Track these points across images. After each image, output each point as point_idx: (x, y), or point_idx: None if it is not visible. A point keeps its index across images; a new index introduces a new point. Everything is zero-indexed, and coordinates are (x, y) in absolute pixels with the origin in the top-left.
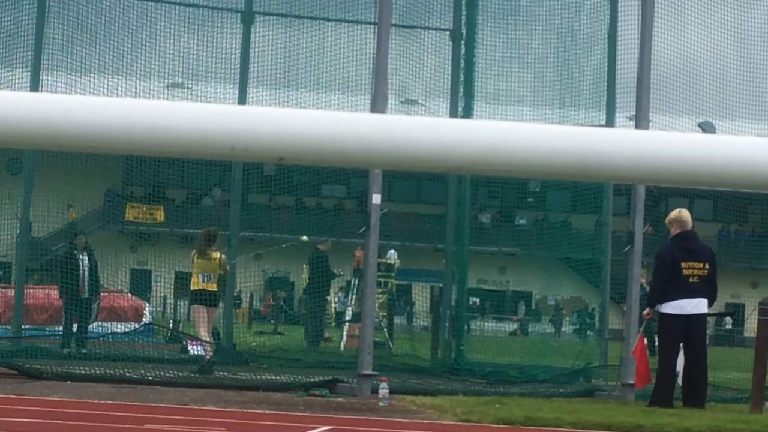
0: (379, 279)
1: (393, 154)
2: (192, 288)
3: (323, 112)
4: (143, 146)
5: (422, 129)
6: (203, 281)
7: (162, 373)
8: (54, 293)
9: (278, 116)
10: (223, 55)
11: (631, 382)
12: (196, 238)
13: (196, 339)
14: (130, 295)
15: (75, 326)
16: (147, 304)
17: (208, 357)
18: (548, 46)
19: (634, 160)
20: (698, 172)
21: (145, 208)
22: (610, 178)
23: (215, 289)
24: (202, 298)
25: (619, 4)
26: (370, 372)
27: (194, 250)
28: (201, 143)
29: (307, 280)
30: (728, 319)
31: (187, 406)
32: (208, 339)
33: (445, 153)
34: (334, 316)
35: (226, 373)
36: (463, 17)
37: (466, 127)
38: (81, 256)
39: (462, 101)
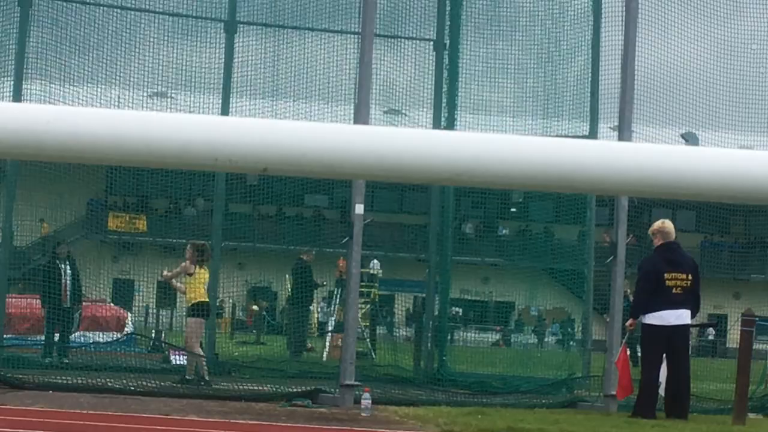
0: (362, 289)
1: (376, 166)
2: (198, 300)
3: (307, 123)
4: (126, 157)
5: (405, 140)
6: (206, 291)
7: (144, 383)
8: (36, 303)
9: (262, 127)
10: (206, 65)
11: (614, 392)
12: (193, 251)
13: (178, 348)
14: (112, 304)
15: (57, 336)
16: (129, 314)
17: (206, 373)
18: (531, 56)
19: (618, 172)
20: (681, 184)
21: (127, 218)
22: (594, 190)
23: (188, 303)
24: (204, 310)
25: (602, 14)
26: (352, 382)
27: (193, 262)
28: (185, 154)
29: (290, 290)
30: (711, 330)
31: (169, 416)
32: (201, 353)
33: (429, 164)
34: (316, 326)
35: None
36: (447, 27)
37: (450, 139)
38: (63, 266)
39: (445, 111)
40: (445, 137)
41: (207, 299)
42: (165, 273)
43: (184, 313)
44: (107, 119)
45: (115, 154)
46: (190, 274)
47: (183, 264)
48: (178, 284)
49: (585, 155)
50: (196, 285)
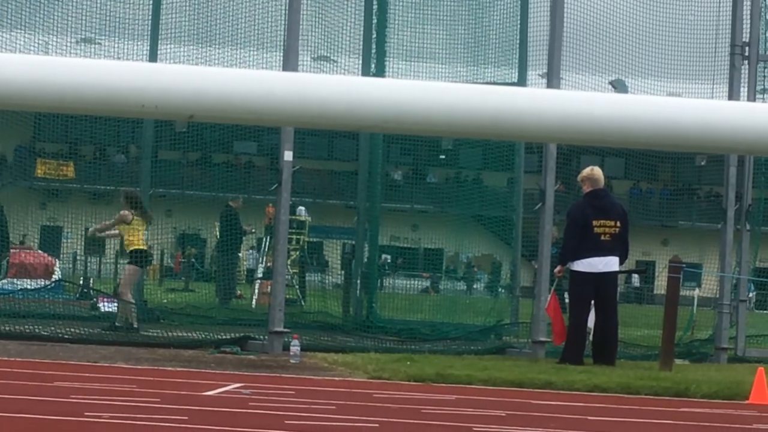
0: (291, 236)
1: (302, 113)
2: (137, 246)
3: (233, 70)
4: (53, 103)
5: (332, 87)
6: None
7: (72, 330)
8: None
9: (188, 74)
10: (134, 10)
11: (542, 339)
12: (126, 201)
13: (107, 295)
14: (40, 251)
15: None
16: (57, 261)
17: (135, 321)
18: (461, 3)
19: (545, 120)
20: (608, 131)
21: (55, 164)
22: (521, 137)
23: (128, 249)
24: (141, 258)
25: None
26: (281, 329)
27: (131, 210)
28: (111, 100)
29: (218, 237)
30: (635, 277)
31: (97, 364)
32: (132, 301)
33: (356, 112)
34: (244, 273)
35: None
36: None
37: (377, 86)
38: None
39: (374, 58)
40: (371, 84)
41: (145, 247)
42: (94, 227)
43: (124, 261)
44: (33, 65)
45: (42, 100)
46: (128, 223)
47: (122, 212)
48: (111, 231)
49: (513, 103)
50: (134, 232)
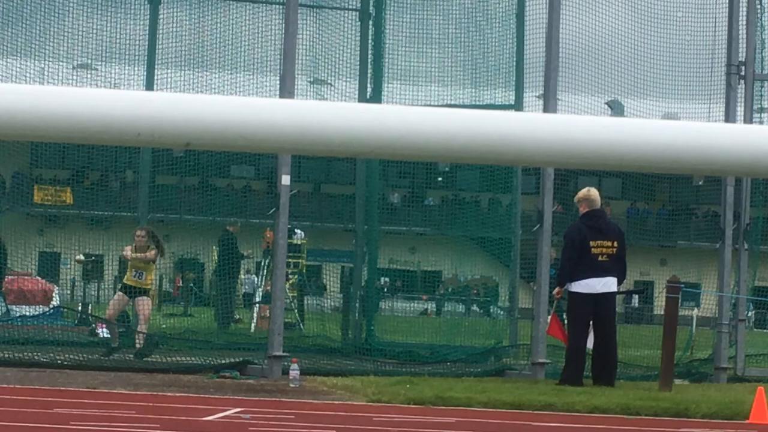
0: (289, 260)
1: (300, 140)
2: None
3: (229, 97)
4: (50, 133)
5: (329, 114)
6: (135, 277)
7: (71, 356)
8: None
9: (184, 102)
10: (131, 36)
11: (541, 360)
12: (153, 236)
13: (106, 321)
14: (38, 278)
15: None
16: (56, 287)
17: (140, 345)
18: (457, 25)
19: (538, 145)
20: (606, 156)
21: (53, 190)
22: (517, 162)
23: (147, 286)
24: (128, 290)
25: None
26: (280, 353)
27: (155, 248)
28: (108, 129)
29: (216, 262)
30: (634, 297)
31: (96, 390)
32: (114, 323)
33: (353, 138)
34: (242, 297)
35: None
36: None
37: (374, 112)
38: None
39: (371, 81)
40: (368, 111)
41: (130, 282)
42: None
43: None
44: (31, 95)
45: (39, 130)
46: (154, 262)
47: (150, 254)
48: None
49: (507, 128)
50: (153, 268)
